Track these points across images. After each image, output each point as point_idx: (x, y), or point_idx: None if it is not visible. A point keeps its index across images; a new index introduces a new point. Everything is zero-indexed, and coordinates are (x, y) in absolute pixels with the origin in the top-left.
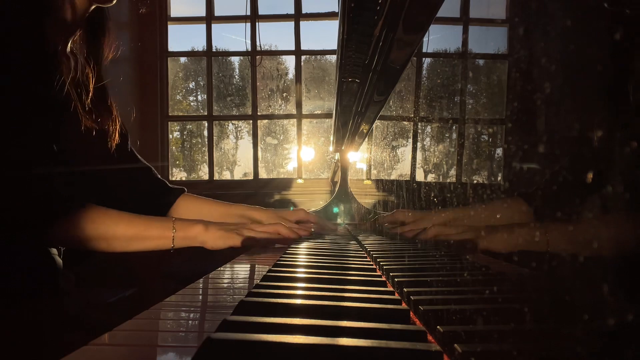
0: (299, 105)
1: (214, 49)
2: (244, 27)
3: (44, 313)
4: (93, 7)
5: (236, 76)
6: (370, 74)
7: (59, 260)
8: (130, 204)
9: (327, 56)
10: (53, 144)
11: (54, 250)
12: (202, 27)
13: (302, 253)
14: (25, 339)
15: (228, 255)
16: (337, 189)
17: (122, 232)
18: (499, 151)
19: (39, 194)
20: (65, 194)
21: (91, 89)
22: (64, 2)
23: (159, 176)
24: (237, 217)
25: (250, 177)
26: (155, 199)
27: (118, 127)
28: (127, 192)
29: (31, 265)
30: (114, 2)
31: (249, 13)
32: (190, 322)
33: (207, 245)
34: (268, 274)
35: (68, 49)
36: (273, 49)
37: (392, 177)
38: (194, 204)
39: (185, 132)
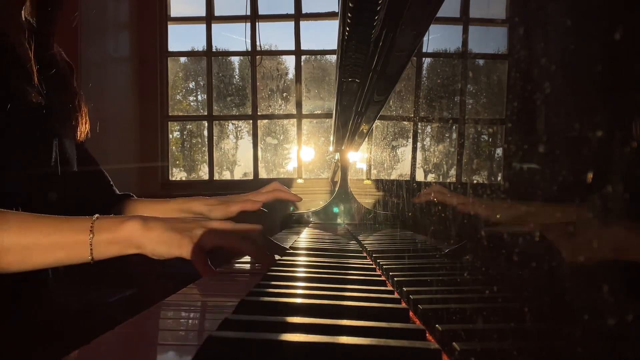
0: (299, 105)
1: (214, 49)
2: (244, 27)
3: (43, 313)
4: None
5: (236, 76)
6: (370, 74)
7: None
8: (60, 208)
9: (327, 56)
10: None
11: None
12: (202, 27)
13: (302, 253)
14: (26, 339)
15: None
16: (337, 189)
17: (17, 239)
18: (499, 151)
19: None
20: None
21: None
22: None
23: (110, 182)
24: (176, 212)
25: (250, 177)
26: (96, 201)
27: (85, 117)
28: (67, 192)
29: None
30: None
31: (249, 13)
32: (190, 321)
33: (144, 251)
34: (268, 273)
35: (23, 16)
36: (273, 49)
37: (392, 177)
38: (133, 208)
39: (185, 132)
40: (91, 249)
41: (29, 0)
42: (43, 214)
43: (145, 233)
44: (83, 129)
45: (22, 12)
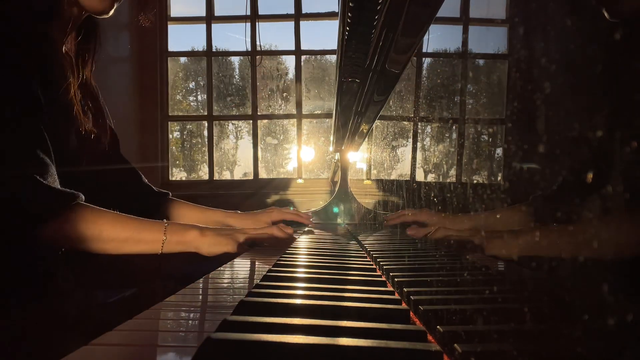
0: (299, 105)
1: (214, 49)
2: (244, 27)
3: (43, 313)
4: (85, 15)
5: (236, 76)
6: (370, 74)
7: (58, 261)
8: (118, 208)
9: (327, 56)
10: (49, 145)
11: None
12: (202, 27)
13: (302, 253)
14: (26, 339)
15: (229, 255)
16: (337, 189)
17: (115, 234)
18: (499, 151)
19: (28, 193)
20: (58, 194)
21: (74, 90)
22: (65, 6)
23: (146, 181)
24: (214, 224)
25: (250, 177)
26: (144, 203)
27: (108, 127)
28: (117, 196)
29: (31, 266)
30: (110, 14)
31: (249, 13)
32: (190, 322)
33: (201, 251)
34: (268, 274)
35: (64, 50)
36: (273, 48)
37: (392, 177)
38: (178, 209)
39: (185, 132)
40: (162, 246)
41: (69, 36)
42: (126, 214)
43: (202, 239)
44: (104, 145)
45: (64, 47)
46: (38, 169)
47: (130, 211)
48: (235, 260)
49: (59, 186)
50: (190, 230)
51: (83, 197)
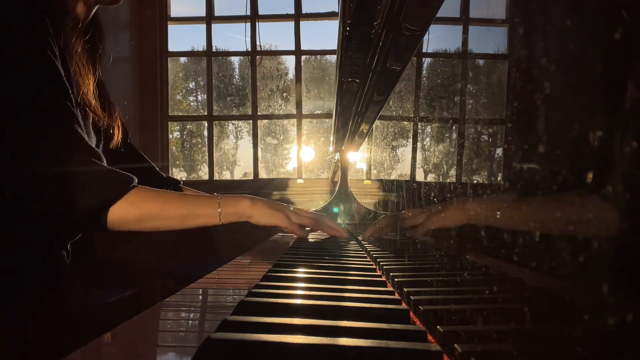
0: (299, 105)
1: (214, 49)
2: (244, 27)
3: (44, 313)
4: (96, 7)
5: (236, 76)
6: (370, 74)
7: (67, 262)
8: None
9: (327, 56)
10: (85, 137)
11: (64, 254)
12: (202, 27)
13: (302, 253)
14: (26, 339)
15: (228, 255)
16: (337, 189)
17: (175, 211)
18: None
19: (95, 177)
20: (120, 175)
21: (92, 88)
22: (77, 1)
23: (160, 171)
24: None
25: (250, 177)
26: None
27: (120, 123)
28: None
29: (38, 266)
30: (120, 2)
31: (249, 13)
32: (190, 322)
33: (253, 220)
34: (268, 274)
35: (79, 49)
36: (273, 49)
37: (392, 177)
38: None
39: (185, 132)
40: (220, 217)
41: (80, 36)
42: (180, 192)
43: (254, 208)
44: (117, 138)
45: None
46: (93, 153)
47: None
48: (235, 260)
49: (110, 169)
50: (243, 200)
51: (137, 179)
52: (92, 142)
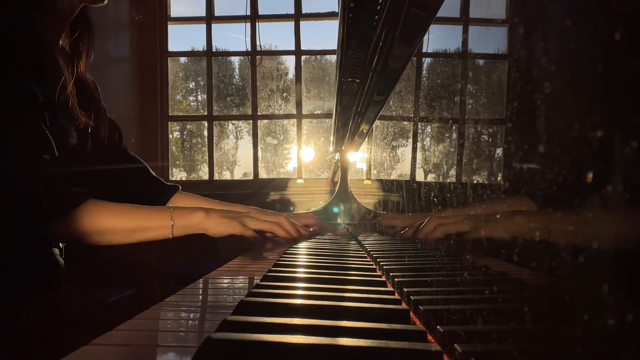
0: (299, 105)
1: (214, 49)
2: (244, 27)
3: (44, 313)
4: (82, 5)
5: (236, 76)
6: (370, 74)
7: (61, 260)
8: (126, 202)
9: (327, 56)
10: (51, 142)
11: (56, 251)
12: (202, 27)
13: (302, 253)
14: (26, 339)
15: (228, 255)
16: (337, 189)
17: (121, 225)
18: (499, 151)
19: (38, 191)
20: (64, 190)
21: (70, 85)
22: None
23: (154, 174)
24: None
25: (250, 177)
26: (151, 197)
27: (107, 122)
28: (122, 191)
29: (32, 266)
30: (105, 2)
31: (249, 13)
32: (190, 322)
33: (208, 232)
34: (268, 274)
35: (60, 45)
36: (273, 49)
37: (392, 177)
38: (190, 202)
39: (185, 132)
40: (172, 231)
41: (64, 32)
42: (131, 204)
43: (208, 219)
44: (103, 138)
45: (60, 41)
46: (43, 168)
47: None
48: (234, 259)
49: (62, 183)
50: (196, 213)
51: (88, 194)
52: (73, 140)
